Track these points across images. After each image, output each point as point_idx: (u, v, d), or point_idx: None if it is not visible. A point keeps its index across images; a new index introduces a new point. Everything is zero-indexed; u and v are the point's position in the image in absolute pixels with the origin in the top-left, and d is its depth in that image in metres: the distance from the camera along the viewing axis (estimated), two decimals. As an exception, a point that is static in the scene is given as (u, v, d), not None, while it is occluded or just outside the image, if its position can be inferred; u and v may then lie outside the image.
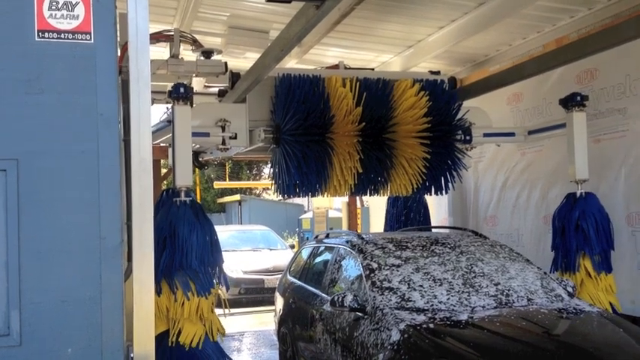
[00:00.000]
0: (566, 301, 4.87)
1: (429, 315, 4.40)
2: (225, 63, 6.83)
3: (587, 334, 4.36)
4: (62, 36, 3.00)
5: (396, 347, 4.13)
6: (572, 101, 6.11)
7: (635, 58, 6.09)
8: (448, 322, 4.31)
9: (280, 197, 6.86)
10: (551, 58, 6.27)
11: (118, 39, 5.55)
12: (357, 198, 12.74)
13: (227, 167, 27.89)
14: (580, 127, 6.10)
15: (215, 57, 6.91)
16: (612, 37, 5.49)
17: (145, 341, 3.29)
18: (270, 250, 13.90)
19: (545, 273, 5.42)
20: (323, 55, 8.44)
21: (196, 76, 6.97)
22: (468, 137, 6.95)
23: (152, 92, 7.38)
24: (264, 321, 10.15)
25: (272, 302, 7.71)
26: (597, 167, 6.40)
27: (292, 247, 15.00)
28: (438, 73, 7.53)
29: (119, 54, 5.27)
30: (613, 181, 6.42)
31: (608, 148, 6.51)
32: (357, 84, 6.51)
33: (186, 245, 4.99)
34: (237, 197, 28.99)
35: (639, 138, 6.16)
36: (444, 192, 7.15)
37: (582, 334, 4.36)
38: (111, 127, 3.03)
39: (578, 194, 6.01)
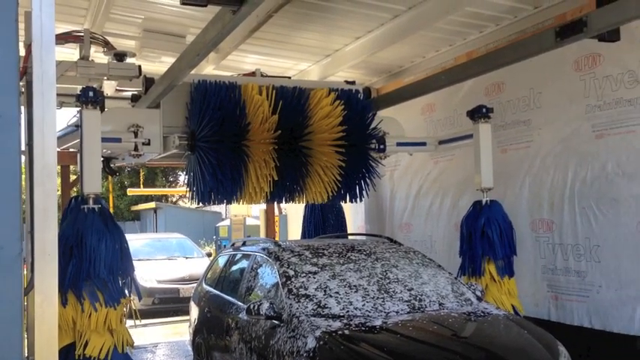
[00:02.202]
0: (475, 305, 5.04)
1: (345, 321, 4.43)
2: (139, 66, 6.65)
3: (495, 337, 4.53)
4: (-43, 32, 2.81)
5: (312, 354, 4.13)
6: (478, 113, 6.36)
7: (539, 72, 6.44)
8: (363, 328, 4.35)
9: (196, 205, 6.74)
10: (462, 71, 6.52)
11: (23, 38, 5.27)
12: (276, 205, 12.71)
13: (142, 174, 27.09)
14: (486, 138, 6.35)
15: (128, 60, 6.71)
16: (517, 52, 5.77)
17: (47, 355, 3.12)
18: (187, 258, 13.60)
19: (455, 278, 5.59)
20: (241, 61, 8.39)
21: (108, 79, 6.75)
22: (382, 146, 7.10)
23: (61, 95, 7.12)
24: (179, 331, 9.90)
25: (187, 312, 7.53)
26: (504, 176, 6.70)
27: (209, 255, 14.73)
28: (353, 82, 7.65)
29: (24, 54, 5.02)
30: (518, 189, 6.73)
31: (513, 158, 6.83)
32: (274, 92, 6.51)
33: (94, 254, 4.80)
34: (152, 205, 28.22)
35: (542, 148, 6.50)
36: (358, 200, 7.26)
37: (490, 336, 4.52)
38: (10, 130, 2.86)
39: (483, 202, 6.26)
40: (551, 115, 6.39)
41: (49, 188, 3.25)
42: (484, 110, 6.33)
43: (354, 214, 9.53)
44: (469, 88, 7.36)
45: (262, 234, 12.25)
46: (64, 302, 4.65)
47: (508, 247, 6.11)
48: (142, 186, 27.71)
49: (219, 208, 26.40)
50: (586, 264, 5.97)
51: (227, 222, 18.69)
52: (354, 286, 4.92)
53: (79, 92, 5.29)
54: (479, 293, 5.29)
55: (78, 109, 8.97)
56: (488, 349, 4.22)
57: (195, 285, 8.90)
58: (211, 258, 13.19)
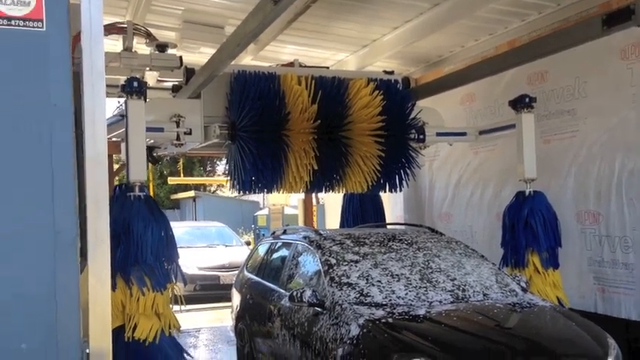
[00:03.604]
0: (520, 296, 4.99)
1: (388, 310, 4.44)
2: (180, 57, 6.73)
3: (541, 328, 4.49)
4: (13, 23, 2.88)
5: (355, 342, 4.16)
6: (521, 103, 6.27)
7: (584, 60, 6.30)
8: (406, 317, 4.36)
9: (235, 194, 6.82)
10: (503, 60, 6.42)
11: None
12: (313, 195, 12.77)
13: (181, 163, 27.48)
14: (529, 128, 6.26)
15: (170, 51, 6.80)
16: (562, 40, 5.66)
17: (101, 337, 3.20)
18: (226, 246, 13.76)
19: (499, 268, 5.54)
20: (279, 52, 8.42)
21: (150, 70, 6.85)
22: (421, 136, 7.06)
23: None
24: (220, 317, 10.06)
25: (228, 299, 7.65)
26: (547, 167, 6.59)
27: (248, 243, 14.90)
28: (392, 72, 7.62)
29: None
30: (563, 180, 6.61)
31: (558, 148, 6.71)
32: (313, 82, 6.53)
33: (141, 241, 4.91)
34: (191, 193, 28.59)
35: (588, 138, 6.37)
36: (398, 189, 7.24)
37: (535, 327, 4.48)
38: (64, 117, 2.93)
39: (527, 193, 6.18)
40: (597, 105, 6.25)
41: (101, 176, 3.32)
42: (527, 100, 6.24)
43: (393, 204, 9.51)
44: (511, 77, 7.24)
45: (300, 223, 12.32)
46: (113, 287, 4.77)
47: (552, 238, 6.03)
48: (181, 175, 28.09)
49: (257, 197, 26.63)
50: (634, 256, 5.84)
51: (265, 211, 18.85)
52: (397, 275, 4.92)
53: (123, 83, 5.39)
54: (524, 284, 5.24)
55: (119, 99, 9.17)
56: (534, 340, 4.19)
57: (234, 272, 9.04)
58: (250, 246, 13.37)
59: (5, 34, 2.84)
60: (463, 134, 7.36)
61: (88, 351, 3.14)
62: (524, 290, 5.15)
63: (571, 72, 6.53)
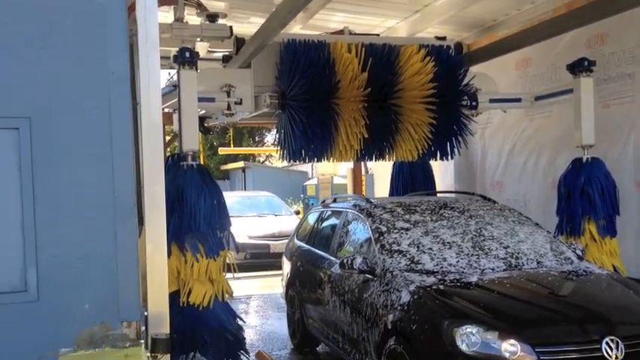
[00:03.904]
0: (575, 264, 4.89)
1: (439, 277, 4.43)
2: (231, 27, 6.74)
3: (597, 296, 4.40)
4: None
5: (406, 308, 4.17)
6: (579, 66, 6.06)
7: (647, 21, 6.02)
8: (458, 284, 4.33)
9: (285, 163, 6.87)
10: (561, 22, 6.20)
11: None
12: (362, 164, 12.73)
13: (231, 133, 27.77)
14: (587, 93, 6.05)
15: (220, 21, 6.82)
16: (623, 1, 5.40)
17: (158, 300, 3.32)
18: (275, 215, 13.92)
19: (554, 236, 5.43)
20: (328, 20, 8.33)
21: (201, 40, 6.90)
22: (474, 103, 6.93)
23: (157, 56, 7.16)
24: (270, 285, 10.24)
25: (278, 267, 7.77)
26: (606, 133, 6.37)
27: (297, 213, 15.02)
28: (444, 38, 7.46)
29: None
30: (622, 146, 6.39)
31: (617, 114, 6.47)
32: (363, 49, 6.45)
33: (194, 209, 5.01)
34: (240, 164, 28.93)
35: (649, 102, 6.12)
36: (449, 157, 7.15)
37: (591, 295, 4.39)
38: (122, 86, 3.01)
39: (584, 159, 6.00)
40: (661, 67, 5.98)
41: (156, 144, 3.41)
42: (586, 63, 6.02)
43: (444, 173, 9.40)
44: (568, 40, 6.98)
45: (350, 192, 12.33)
46: (168, 253, 4.89)
47: (610, 206, 5.86)
48: (231, 145, 28.41)
49: (306, 167, 26.71)
50: (695, 225, 5.63)
51: (314, 181, 18.92)
52: (448, 242, 4.89)
53: (175, 53, 5.44)
54: (579, 252, 5.13)
55: (170, 71, 9.26)
56: (590, 308, 4.11)
57: (284, 241, 9.14)
58: (299, 216, 13.49)
59: (67, 3, 2.92)
60: (518, 100, 7.18)
61: (146, 313, 3.26)
62: (579, 258, 5.04)
63: (633, 34, 6.25)
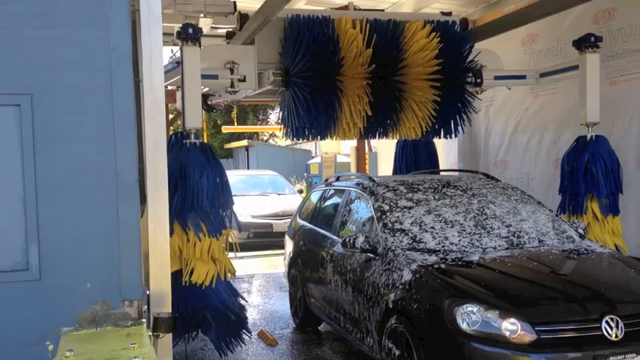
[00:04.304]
0: (577, 243, 4.89)
1: (441, 256, 4.43)
2: (234, 2, 6.67)
3: (598, 274, 4.40)
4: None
5: (407, 287, 4.18)
6: (585, 42, 5.99)
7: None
8: (460, 263, 4.34)
9: (288, 142, 6.84)
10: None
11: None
12: (366, 143, 12.70)
13: (234, 112, 27.70)
14: (593, 69, 5.99)
15: (224, -4, 6.75)
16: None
17: (160, 279, 3.33)
18: (279, 194, 13.92)
19: (556, 215, 5.42)
20: (332, -5, 8.24)
21: (204, 16, 6.83)
22: (478, 80, 6.88)
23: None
24: (273, 264, 10.28)
25: (280, 246, 7.78)
26: (611, 110, 6.32)
27: (300, 192, 15.02)
28: (449, 14, 7.37)
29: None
30: (627, 124, 6.34)
31: (623, 91, 6.41)
32: (367, 25, 6.38)
33: (197, 187, 4.99)
34: (244, 143, 28.89)
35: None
36: (453, 135, 7.11)
37: (592, 274, 4.40)
38: (124, 63, 2.98)
39: (588, 137, 5.96)
40: (668, 44, 5.90)
41: (159, 121, 3.39)
42: (592, 39, 5.95)
43: (447, 152, 9.36)
44: (576, 15, 6.90)
45: (353, 171, 12.32)
46: (170, 232, 4.88)
47: (613, 184, 5.83)
48: (235, 124, 28.33)
49: (310, 145, 26.65)
50: (699, 203, 5.61)
51: (318, 159, 18.89)
52: (450, 221, 4.88)
53: (179, 29, 5.39)
54: (581, 231, 5.12)
55: (173, 48, 9.17)
56: (590, 287, 4.11)
57: (287, 220, 9.15)
58: (303, 195, 13.48)
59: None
60: (522, 77, 7.11)
61: (148, 292, 3.27)
62: (581, 237, 5.04)
63: (641, 9, 6.16)
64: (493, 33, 7.14)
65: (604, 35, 6.19)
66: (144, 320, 2.96)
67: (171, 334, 3.20)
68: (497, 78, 7.05)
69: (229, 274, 5.19)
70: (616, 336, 3.70)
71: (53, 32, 2.83)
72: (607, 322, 3.74)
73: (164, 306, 3.22)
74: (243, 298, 5.37)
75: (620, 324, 3.74)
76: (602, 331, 3.72)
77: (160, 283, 3.34)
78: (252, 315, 6.91)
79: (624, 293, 4.12)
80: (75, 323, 2.81)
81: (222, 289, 5.07)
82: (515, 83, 7.26)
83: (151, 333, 2.92)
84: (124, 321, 2.85)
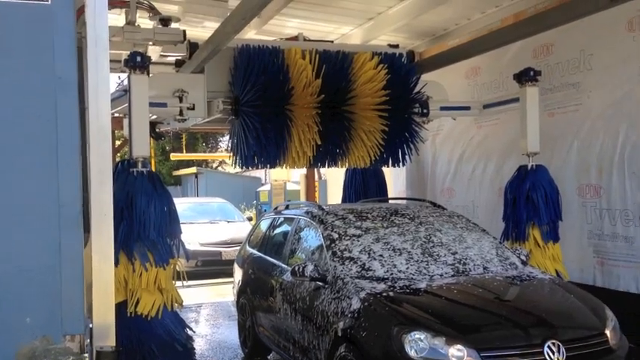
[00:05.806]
0: (520, 269, 5.02)
1: (389, 284, 4.48)
2: (184, 31, 6.68)
3: (540, 300, 4.53)
4: (18, -5, 2.87)
5: (356, 315, 4.20)
6: (525, 76, 6.23)
7: (590, 33, 6.24)
8: (407, 290, 4.39)
9: (238, 170, 6.83)
10: (509, 33, 6.38)
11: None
12: (315, 171, 12.77)
13: (183, 139, 27.43)
14: (532, 102, 6.23)
15: (173, 25, 6.75)
16: (568, 12, 5.60)
17: (104, 311, 3.24)
18: (228, 222, 13.81)
19: (500, 242, 5.56)
20: (282, 26, 8.34)
21: (153, 44, 6.80)
22: (425, 110, 7.03)
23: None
24: (221, 293, 10.15)
25: (229, 274, 7.71)
26: (550, 140, 6.57)
27: (250, 219, 14.94)
28: (396, 46, 7.56)
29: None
30: (565, 154, 6.61)
31: (561, 122, 6.69)
32: (317, 56, 6.48)
33: (144, 216, 4.92)
34: (193, 170, 28.61)
35: (592, 112, 6.35)
36: (401, 164, 7.24)
37: (535, 300, 4.52)
38: (69, 91, 2.93)
39: (529, 167, 6.18)
40: (603, 78, 6.21)
41: (105, 150, 3.33)
42: (532, 73, 6.20)
43: (395, 179, 9.52)
44: (516, 50, 7.19)
45: (302, 199, 12.34)
46: (115, 262, 4.78)
47: (554, 211, 6.05)
48: (184, 151, 28.05)
49: (259, 173, 26.59)
50: (634, 229, 5.86)
51: (267, 187, 18.85)
52: (398, 249, 4.94)
53: (126, 57, 5.35)
54: (524, 257, 5.27)
55: (121, 75, 9.07)
56: (533, 313, 4.23)
57: (236, 248, 9.08)
58: (252, 222, 13.40)
59: (11, 6, 2.83)
60: (467, 108, 7.34)
61: (91, 325, 3.18)
62: (524, 263, 5.18)
63: (577, 44, 6.48)
64: (439, 65, 7.36)
65: (542, 69, 6.46)
66: (86, 355, 2.87)
67: (115, 369, 3.11)
68: (442, 109, 7.24)
69: (176, 304, 5.11)
70: (557, 360, 3.81)
71: (-3, 60, 2.77)
72: (549, 347, 3.85)
73: (108, 339, 3.13)
74: (190, 329, 5.28)
75: (562, 348, 3.86)
76: (544, 355, 3.83)
77: (104, 316, 3.25)
78: (199, 345, 6.78)
79: (565, 319, 4.26)
80: (13, 360, 2.70)
81: (168, 319, 4.98)
82: (460, 114, 7.47)
83: (93, 368, 2.83)
84: (64, 356, 2.75)
